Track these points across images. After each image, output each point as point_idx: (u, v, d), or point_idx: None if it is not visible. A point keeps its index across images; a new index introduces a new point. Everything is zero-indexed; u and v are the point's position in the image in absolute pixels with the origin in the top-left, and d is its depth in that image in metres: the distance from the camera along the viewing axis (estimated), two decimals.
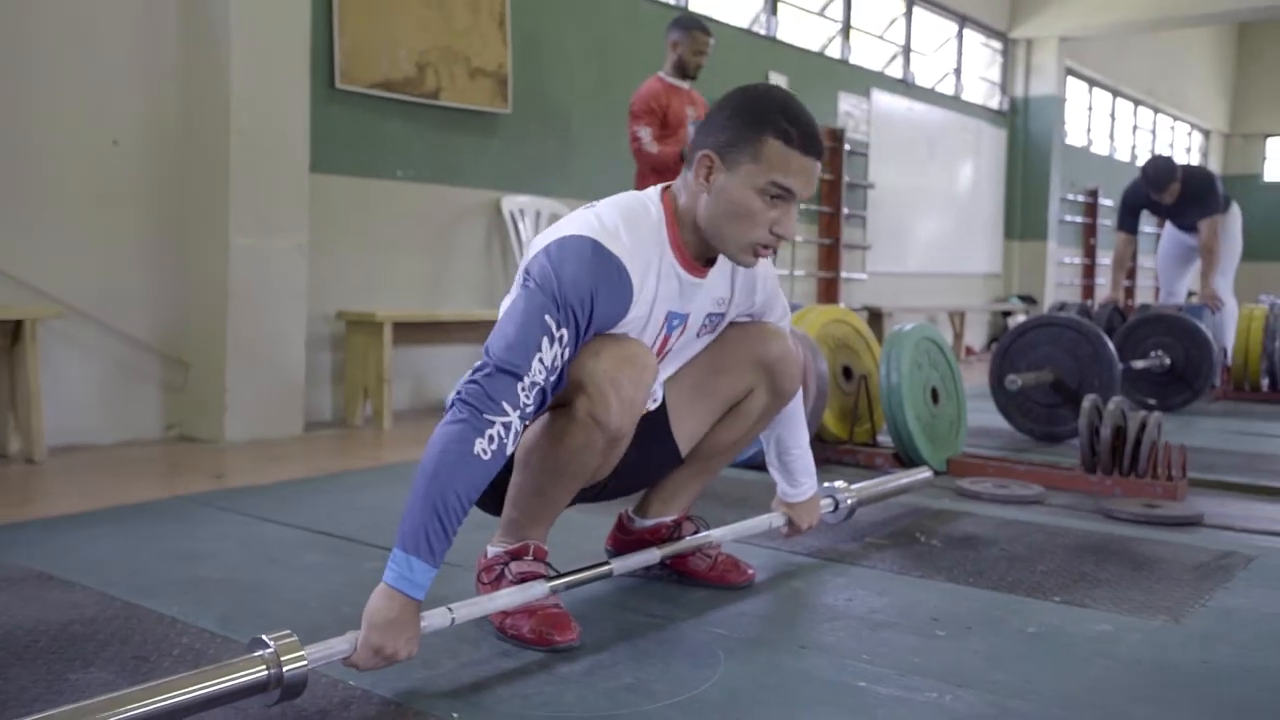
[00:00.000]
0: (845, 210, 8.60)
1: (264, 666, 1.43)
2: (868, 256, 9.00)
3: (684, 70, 5.00)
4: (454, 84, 5.38)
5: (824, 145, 1.92)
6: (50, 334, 3.96)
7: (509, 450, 1.65)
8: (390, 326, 4.72)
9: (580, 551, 2.32)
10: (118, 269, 4.24)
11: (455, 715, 1.56)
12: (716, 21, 7.34)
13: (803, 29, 8.36)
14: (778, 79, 7.86)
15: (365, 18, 5.01)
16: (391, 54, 5.11)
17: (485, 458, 1.61)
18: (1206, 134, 16.14)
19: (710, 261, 1.97)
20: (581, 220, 1.82)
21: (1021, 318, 9.44)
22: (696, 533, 2.26)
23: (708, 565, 2.23)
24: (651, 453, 2.10)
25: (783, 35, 8.05)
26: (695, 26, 5.04)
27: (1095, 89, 12.92)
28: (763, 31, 7.87)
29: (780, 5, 8.02)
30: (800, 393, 2.29)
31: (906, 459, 3.64)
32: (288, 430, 4.43)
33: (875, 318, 8.77)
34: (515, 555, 1.91)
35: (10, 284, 3.89)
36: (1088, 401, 3.47)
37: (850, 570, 2.42)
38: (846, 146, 8.55)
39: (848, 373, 3.93)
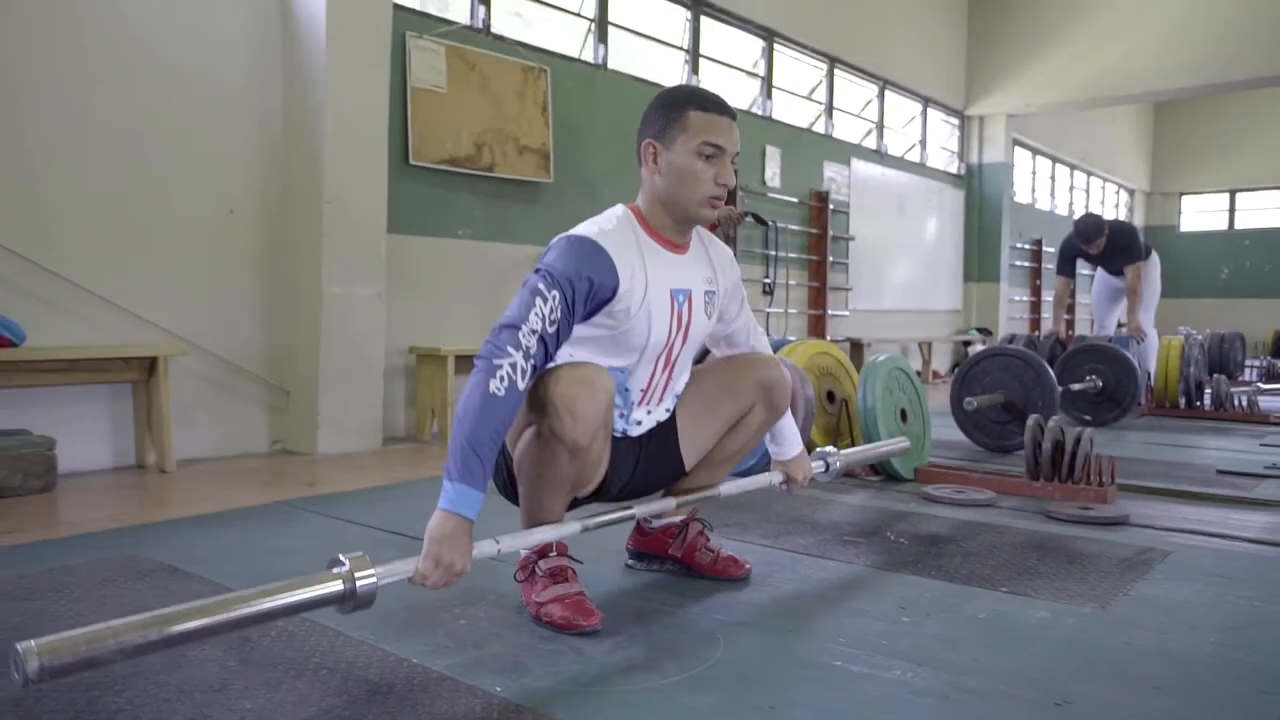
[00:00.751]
0: (830, 258, 8.58)
1: (340, 581, 1.44)
2: (850, 296, 8.97)
3: None
4: (505, 159, 5.42)
5: (734, 110, 1.96)
6: (179, 368, 4.01)
7: (520, 386, 1.66)
8: (453, 358, 4.74)
9: (602, 549, 2.32)
10: (233, 314, 4.29)
11: (498, 688, 1.56)
12: None
13: (793, 109, 8.37)
14: (772, 150, 7.88)
15: (433, 107, 5.06)
16: (455, 136, 5.16)
17: (500, 394, 1.63)
18: (1131, 192, 16.03)
19: (687, 244, 2.00)
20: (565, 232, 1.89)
21: (979, 346, 9.38)
22: (703, 532, 2.26)
23: (710, 560, 2.22)
24: (659, 463, 2.09)
25: (777, 115, 8.06)
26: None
27: (1038, 156, 12.87)
28: (760, 112, 7.89)
29: (775, 90, 8.04)
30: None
31: (881, 469, 3.63)
32: (369, 445, 4.45)
33: (856, 347, 8.73)
34: (542, 554, 1.91)
35: (147, 327, 3.94)
36: (1031, 420, 3.44)
37: (830, 565, 2.40)
38: (831, 205, 8.53)
39: (831, 396, 3.91)
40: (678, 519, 2.24)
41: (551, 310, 1.71)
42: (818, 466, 2.44)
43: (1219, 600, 2.12)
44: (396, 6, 4.73)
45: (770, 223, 7.78)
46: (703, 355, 2.34)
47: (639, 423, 2.03)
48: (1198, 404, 6.12)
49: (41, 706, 1.49)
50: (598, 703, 1.52)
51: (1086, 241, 6.12)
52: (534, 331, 1.68)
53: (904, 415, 3.76)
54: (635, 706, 1.50)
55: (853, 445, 3.91)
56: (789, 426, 2.28)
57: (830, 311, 8.62)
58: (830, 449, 2.53)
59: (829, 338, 8.57)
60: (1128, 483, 3.48)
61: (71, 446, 3.69)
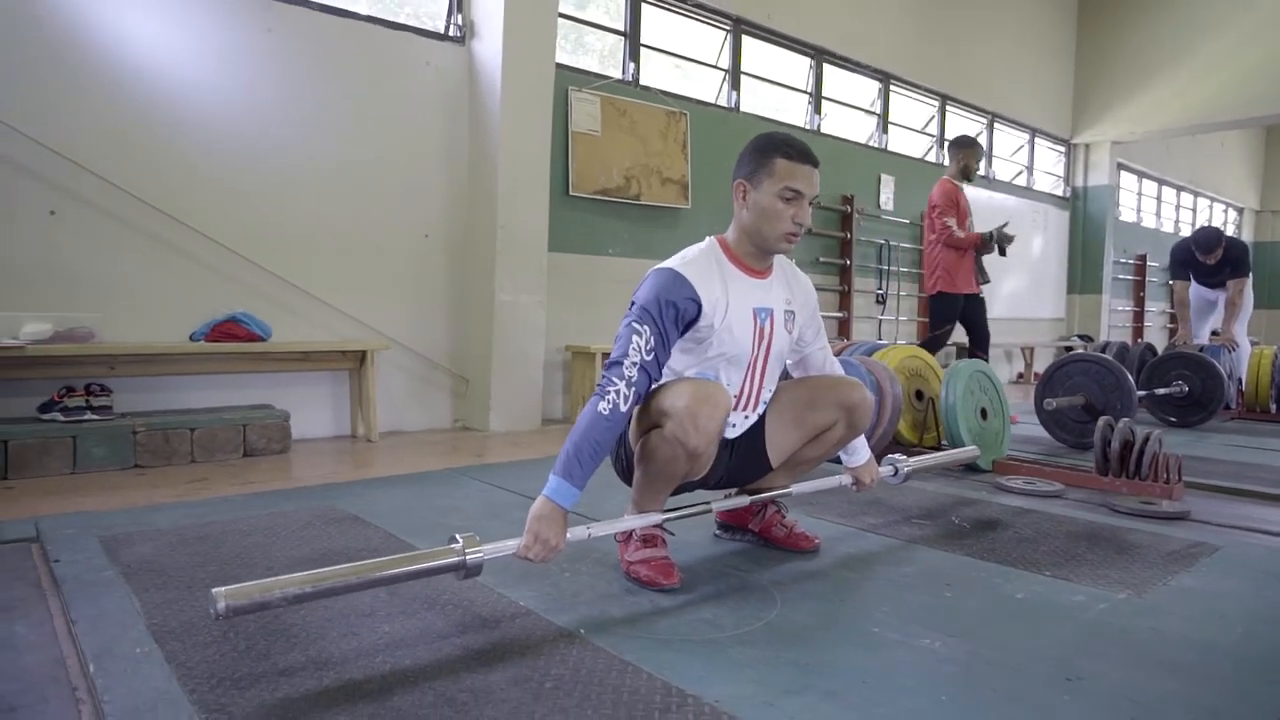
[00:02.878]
0: None
1: (455, 555, 1.52)
2: None
3: (967, 175, 4.86)
4: (650, 189, 5.48)
5: (817, 158, 1.90)
6: (383, 359, 4.27)
7: (623, 409, 1.71)
8: (600, 355, 4.83)
9: (695, 520, 2.30)
10: (425, 316, 4.53)
11: (582, 631, 1.60)
12: (843, 139, 7.18)
13: (907, 141, 8.06)
14: (887, 178, 7.62)
15: (589, 147, 5.18)
16: (607, 171, 5.26)
17: (606, 415, 1.70)
18: (1240, 210, 14.50)
19: (768, 270, 1.97)
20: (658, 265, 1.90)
21: (1082, 350, 8.75)
22: (780, 510, 2.23)
23: (784, 534, 2.19)
24: (748, 461, 2.09)
25: (892, 147, 7.78)
26: (976, 144, 4.94)
27: (1144, 179, 11.84)
28: (876, 145, 7.64)
29: (890, 125, 7.77)
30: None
31: None
32: (530, 425, 4.59)
33: (962, 348, 8.33)
34: None
35: (361, 327, 4.22)
36: (1102, 420, 3.20)
37: (892, 542, 2.31)
38: None
39: (919, 395, 3.77)
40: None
41: (647, 342, 1.75)
42: (886, 471, 2.37)
43: (1256, 594, 1.92)
44: (560, 65, 4.86)
45: (884, 241, 7.54)
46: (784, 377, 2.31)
47: (734, 425, 2.02)
48: None
49: (240, 617, 1.65)
50: (660, 648, 1.54)
51: (1205, 252, 5.54)
52: (635, 364, 1.73)
53: (984, 413, 3.57)
54: (689, 654, 1.51)
55: (937, 437, 3.78)
56: (860, 438, 2.23)
57: None
58: (900, 456, 2.44)
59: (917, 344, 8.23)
60: (1197, 480, 3.19)
61: (302, 418, 4.01)
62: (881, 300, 7.59)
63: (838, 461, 2.28)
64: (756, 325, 1.92)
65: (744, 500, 2.10)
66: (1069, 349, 9.84)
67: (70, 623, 1.65)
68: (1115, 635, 1.65)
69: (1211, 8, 9.02)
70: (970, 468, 3.43)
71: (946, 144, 5.07)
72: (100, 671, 1.42)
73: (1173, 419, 5.00)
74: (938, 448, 3.72)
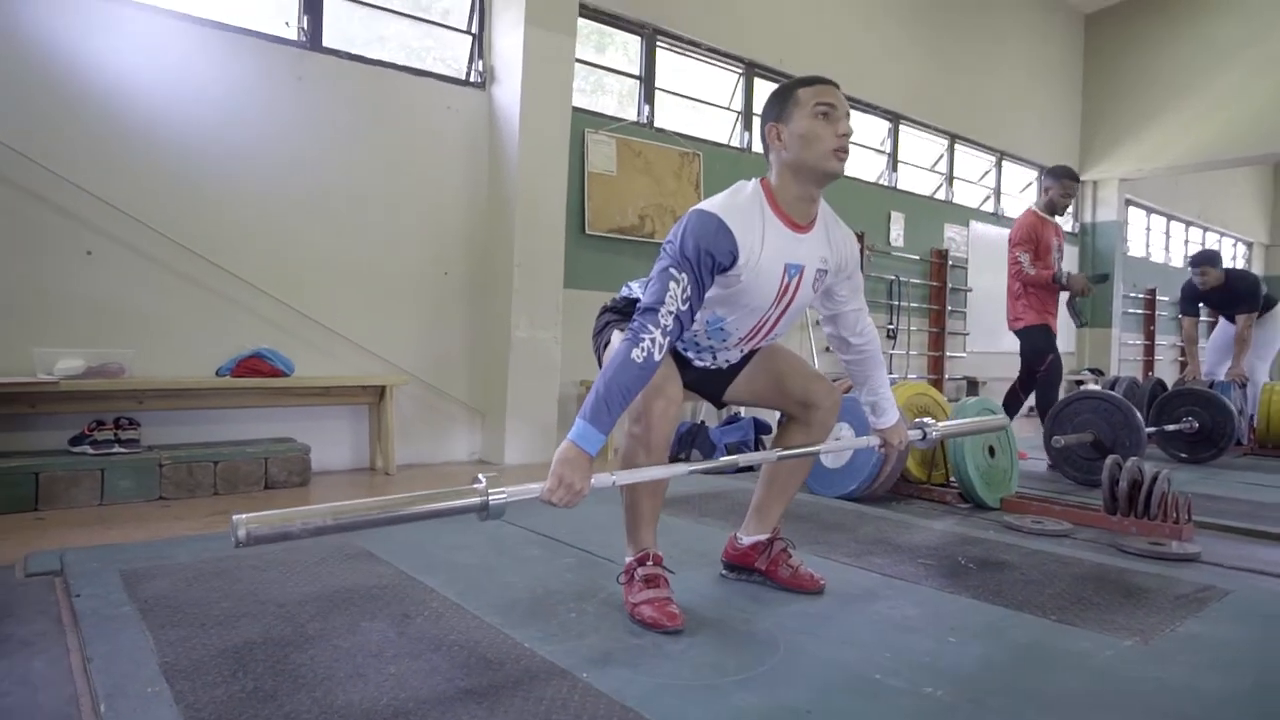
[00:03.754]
0: (949, 307, 8.18)
1: (478, 495, 1.50)
2: (966, 340, 8.50)
3: (1053, 209, 4.57)
4: (664, 228, 5.50)
5: (837, 84, 1.84)
6: (402, 393, 4.29)
7: (656, 358, 1.66)
8: None
9: (692, 550, 2.33)
10: (443, 352, 4.55)
11: (585, 675, 1.57)
12: (853, 178, 7.19)
13: (917, 179, 8.07)
14: (897, 215, 7.62)
15: (605, 187, 5.22)
16: (621, 210, 5.30)
17: (639, 361, 1.65)
18: (1249, 245, 14.35)
19: (810, 224, 1.87)
20: (704, 201, 1.83)
21: (1092, 385, 8.63)
22: (786, 549, 2.18)
23: (790, 575, 2.14)
24: (709, 384, 2.10)
25: (901, 185, 7.79)
26: (1067, 176, 4.56)
27: (1152, 214, 11.76)
28: (886, 183, 7.65)
29: (900, 164, 7.78)
30: (880, 361, 2.14)
31: (969, 497, 3.42)
32: (544, 458, 4.55)
33: (972, 384, 8.27)
34: (640, 561, 1.91)
35: (380, 362, 4.25)
36: (1109, 459, 3.14)
37: (898, 584, 2.25)
38: (950, 262, 8.14)
39: None
40: (763, 536, 2.17)
41: (684, 290, 1.70)
42: (914, 434, 2.25)
43: (1266, 642, 1.85)
44: (577, 108, 4.92)
45: (894, 276, 7.52)
46: None
47: (729, 360, 2.03)
48: None
49: (250, 656, 1.64)
50: (662, 693, 1.51)
51: (1195, 266, 5.45)
52: (670, 312, 1.68)
53: (991, 451, 3.52)
54: (691, 700, 1.48)
55: (946, 474, 3.72)
56: (887, 398, 2.14)
57: (948, 353, 8.20)
58: (929, 419, 2.31)
59: (947, 376, 8.15)
60: (1208, 520, 3.10)
61: (322, 451, 4.02)
62: (892, 335, 7.56)
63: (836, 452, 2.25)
64: (784, 281, 1.85)
65: (774, 454, 2.01)
66: (1079, 383, 9.72)
67: (86, 660, 1.65)
68: (1119, 685, 1.59)
69: (1217, 44, 8.99)
70: (979, 505, 3.38)
71: (1039, 174, 4.90)
72: (110, 711, 1.41)
73: (1183, 455, 4.91)
74: (946, 485, 3.68)
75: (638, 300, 1.96)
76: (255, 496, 3.47)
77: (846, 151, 1.81)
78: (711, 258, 1.73)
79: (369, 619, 1.86)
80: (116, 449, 3.37)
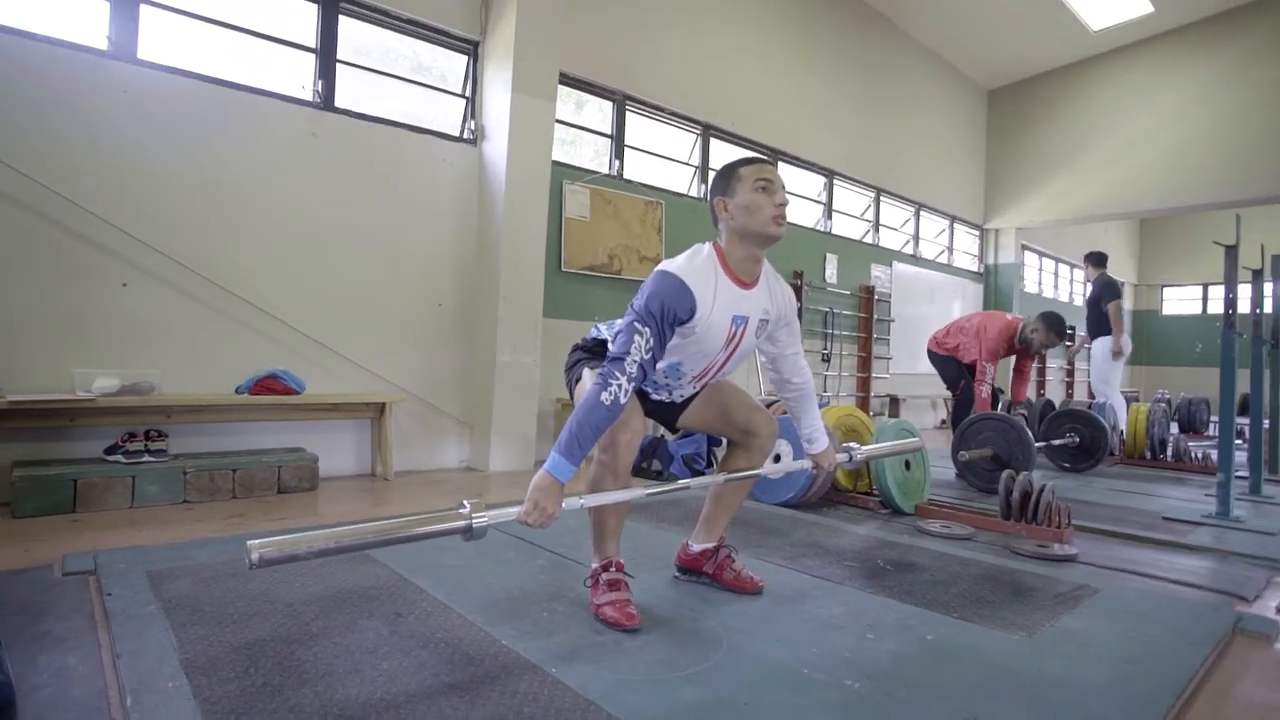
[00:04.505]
0: (875, 335, 8.29)
1: (462, 519, 1.51)
2: (890, 364, 8.64)
3: (1028, 346, 4.50)
4: (629, 265, 5.52)
5: (774, 162, 1.90)
6: (400, 409, 4.24)
7: (622, 401, 1.68)
8: None
9: (650, 554, 2.34)
10: (437, 372, 4.52)
11: (554, 670, 1.57)
12: (794, 224, 7.28)
13: (848, 226, 8.20)
14: (831, 256, 7.73)
15: (579, 231, 5.24)
16: (593, 250, 5.32)
17: (607, 403, 1.67)
18: (1122, 284, 14.79)
19: (754, 281, 1.90)
20: (665, 262, 1.86)
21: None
22: (730, 555, 2.19)
23: (733, 577, 2.17)
24: (666, 414, 2.12)
25: (835, 231, 7.91)
26: (1056, 330, 4.36)
27: (1044, 257, 12.10)
28: (822, 229, 7.77)
29: (834, 213, 7.91)
30: (814, 398, 2.16)
31: (888, 504, 3.47)
32: (524, 466, 4.54)
33: (894, 401, 8.39)
34: (605, 568, 1.92)
35: (381, 381, 4.21)
36: (1005, 473, 3.23)
37: (826, 585, 2.28)
38: (876, 297, 8.28)
39: None
40: (711, 544, 2.19)
41: (647, 342, 1.72)
42: (842, 457, 2.30)
43: (1126, 636, 1.92)
44: (556, 162, 4.94)
45: (829, 309, 7.63)
46: None
47: (683, 395, 2.05)
48: (1161, 456, 5.58)
49: (260, 652, 1.63)
50: (620, 688, 1.52)
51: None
52: (635, 361, 1.71)
53: (908, 464, 3.59)
54: (645, 694, 1.50)
55: (869, 484, 3.78)
56: (819, 429, 2.18)
57: (874, 375, 8.32)
58: (855, 445, 2.36)
59: (873, 394, 8.27)
60: (1084, 524, 3.20)
61: (329, 459, 3.98)
62: (827, 359, 7.67)
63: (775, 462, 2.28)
64: (731, 330, 1.88)
65: (720, 477, 2.04)
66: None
67: (115, 656, 1.62)
68: (1008, 676, 1.64)
69: (1096, 120, 9.32)
70: (896, 511, 3.44)
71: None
72: (136, 705, 1.39)
73: (1066, 465, 5.05)
74: (869, 494, 3.74)
75: (605, 341, 1.99)
76: (269, 500, 3.42)
77: (784, 219, 1.86)
78: (674, 314, 1.76)
79: (366, 617, 1.86)
80: (146, 458, 3.30)
